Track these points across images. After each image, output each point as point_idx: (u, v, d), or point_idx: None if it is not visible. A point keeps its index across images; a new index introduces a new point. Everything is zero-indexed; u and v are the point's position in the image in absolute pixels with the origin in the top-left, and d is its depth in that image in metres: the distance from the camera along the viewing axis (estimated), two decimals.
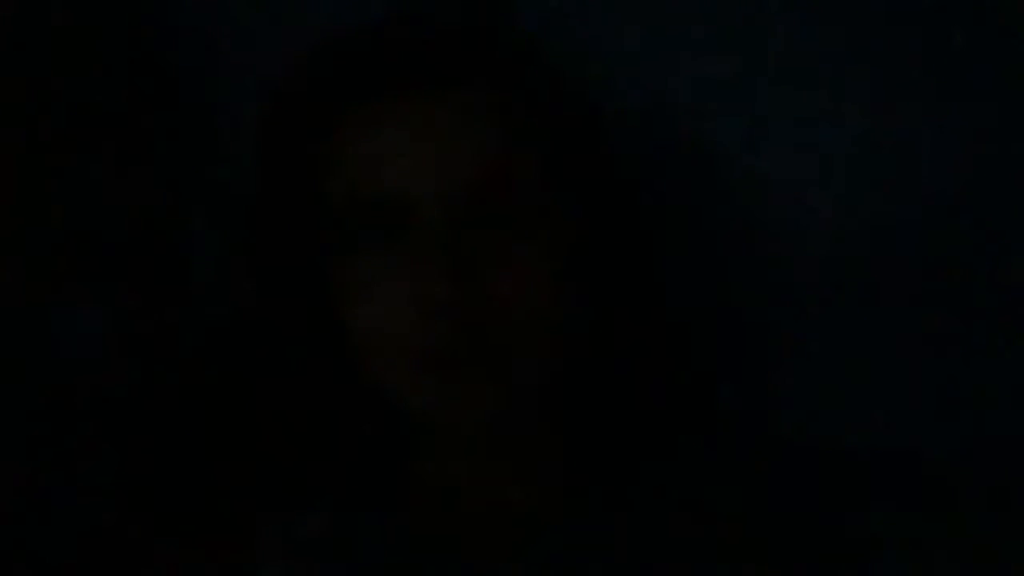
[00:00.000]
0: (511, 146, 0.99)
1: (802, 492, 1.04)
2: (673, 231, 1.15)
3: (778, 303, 1.16)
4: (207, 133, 1.24)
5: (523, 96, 1.00)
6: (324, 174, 1.01)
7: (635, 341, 1.04)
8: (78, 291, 1.20)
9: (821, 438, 1.12)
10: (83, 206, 1.19)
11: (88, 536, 1.08)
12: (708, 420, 1.08)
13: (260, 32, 1.25)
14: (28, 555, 1.07)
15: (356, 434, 1.04)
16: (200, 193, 1.23)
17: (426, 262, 0.97)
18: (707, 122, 1.17)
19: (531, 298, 0.98)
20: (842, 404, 1.15)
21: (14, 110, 1.17)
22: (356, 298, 1.00)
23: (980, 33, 1.16)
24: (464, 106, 0.98)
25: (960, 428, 1.15)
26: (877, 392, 1.16)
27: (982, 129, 1.16)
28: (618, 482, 1.04)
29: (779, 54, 1.18)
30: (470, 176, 0.97)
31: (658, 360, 1.05)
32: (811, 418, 1.15)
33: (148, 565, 1.04)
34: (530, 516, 1.03)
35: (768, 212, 1.17)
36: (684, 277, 1.14)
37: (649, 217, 1.07)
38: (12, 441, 1.13)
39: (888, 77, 1.17)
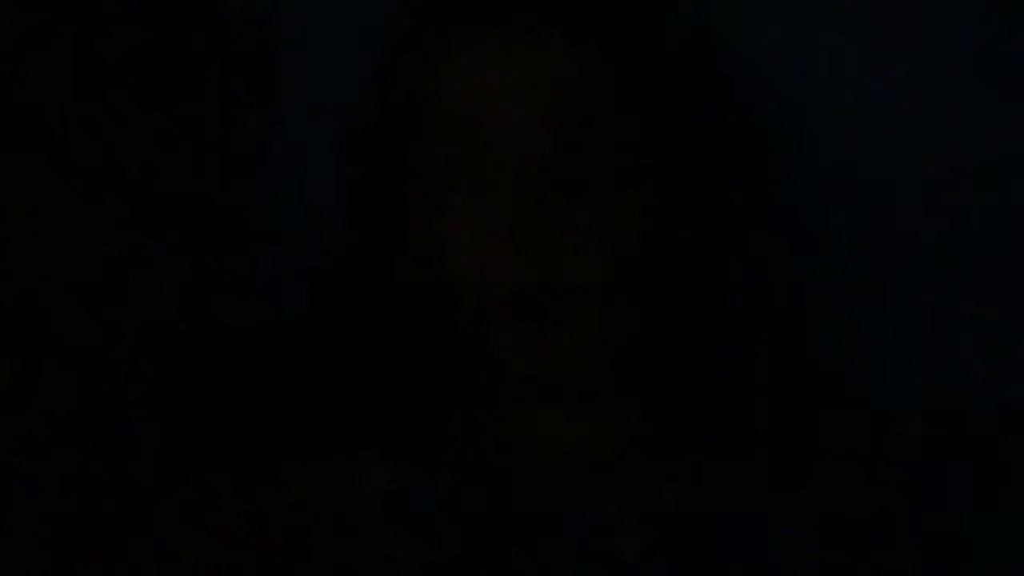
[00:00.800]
0: (598, 94, 1.02)
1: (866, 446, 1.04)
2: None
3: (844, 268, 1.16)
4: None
5: (620, 50, 1.04)
6: (427, 108, 1.05)
7: (708, 297, 1.06)
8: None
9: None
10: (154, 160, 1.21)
11: (149, 472, 1.09)
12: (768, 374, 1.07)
13: None
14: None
15: (439, 379, 1.05)
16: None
17: (515, 200, 1.00)
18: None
19: (612, 241, 1.01)
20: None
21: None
22: (454, 241, 1.03)
23: None
24: (550, 36, 1.02)
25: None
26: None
27: None
28: (689, 429, 1.04)
29: None
30: (556, 112, 1.01)
31: (728, 318, 1.05)
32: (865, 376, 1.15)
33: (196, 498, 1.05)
34: (605, 463, 1.03)
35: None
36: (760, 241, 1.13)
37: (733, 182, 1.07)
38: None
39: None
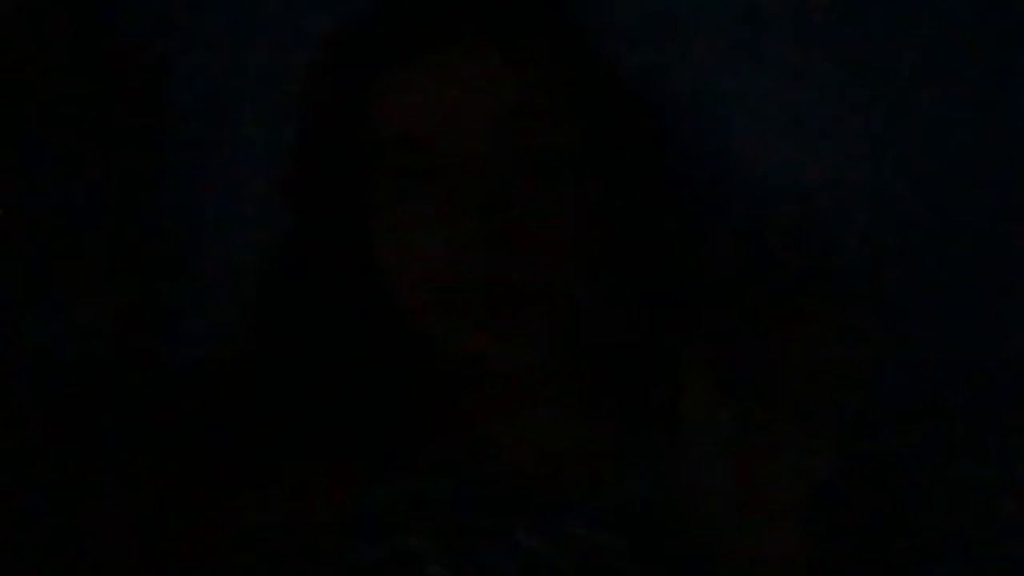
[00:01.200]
0: (528, 93, 1.02)
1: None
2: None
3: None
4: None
5: (540, 51, 1.04)
6: (362, 126, 1.04)
7: (648, 291, 1.05)
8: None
9: None
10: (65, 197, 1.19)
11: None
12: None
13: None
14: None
15: (401, 387, 1.04)
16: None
17: (454, 200, 1.00)
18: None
19: (554, 237, 1.01)
20: None
21: None
22: (395, 244, 1.02)
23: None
24: (481, 56, 1.02)
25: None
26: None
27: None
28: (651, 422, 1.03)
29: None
30: (490, 116, 1.01)
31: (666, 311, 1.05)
32: None
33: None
34: (572, 458, 1.04)
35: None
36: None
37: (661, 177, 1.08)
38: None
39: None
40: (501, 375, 1.03)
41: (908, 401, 1.09)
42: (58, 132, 1.20)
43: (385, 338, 1.04)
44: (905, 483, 1.04)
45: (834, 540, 0.97)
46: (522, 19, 1.05)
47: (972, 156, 1.19)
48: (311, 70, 1.08)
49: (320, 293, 1.05)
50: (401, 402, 1.04)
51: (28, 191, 1.19)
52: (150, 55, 1.26)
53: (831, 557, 0.95)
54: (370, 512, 1.00)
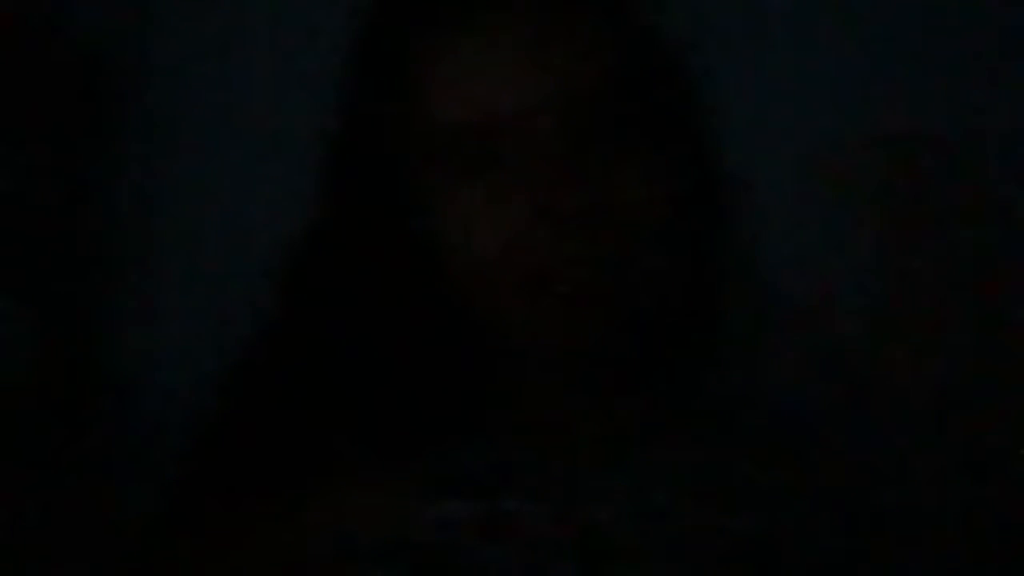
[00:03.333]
0: (584, 72, 0.99)
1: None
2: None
3: None
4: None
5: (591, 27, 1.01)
6: (421, 101, 1.00)
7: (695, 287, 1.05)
8: None
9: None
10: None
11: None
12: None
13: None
14: None
15: (451, 367, 1.00)
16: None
17: (546, 178, 0.96)
18: None
19: (644, 214, 0.98)
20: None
21: None
22: (468, 226, 0.98)
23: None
24: (537, 33, 0.99)
25: None
26: None
27: None
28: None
29: None
30: (577, 91, 0.98)
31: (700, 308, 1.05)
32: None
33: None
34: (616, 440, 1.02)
35: None
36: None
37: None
38: None
39: None
40: (557, 355, 1.00)
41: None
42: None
43: (432, 323, 1.00)
44: None
45: None
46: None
47: None
48: (357, 44, 1.03)
49: (357, 279, 1.01)
50: (450, 387, 1.00)
51: None
52: (102, 58, 1.21)
53: None
54: (458, 474, 0.97)
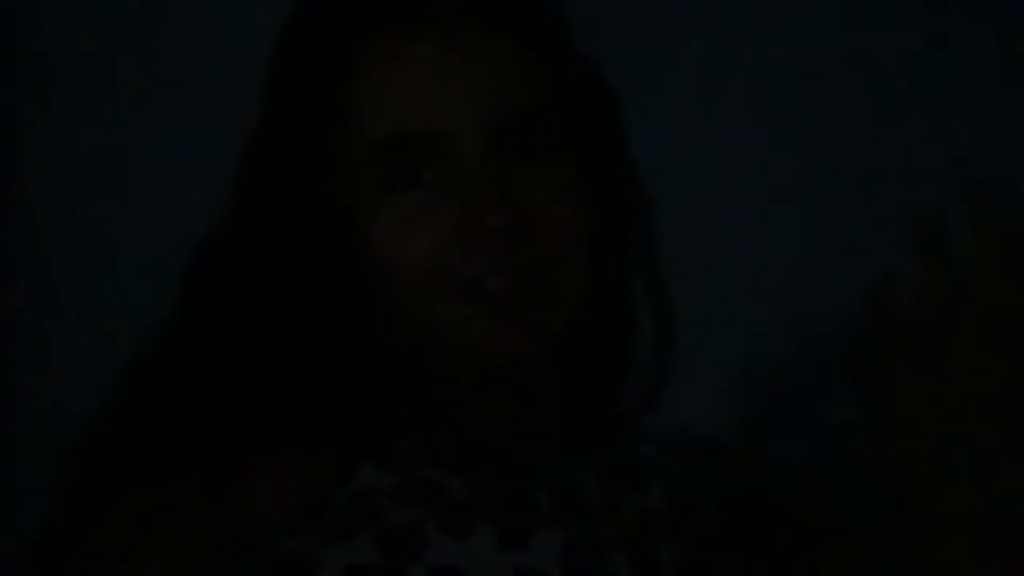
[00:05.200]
0: (538, 88, 1.01)
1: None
2: None
3: None
4: None
5: (548, 47, 1.04)
6: (346, 113, 1.01)
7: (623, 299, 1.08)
8: None
9: None
10: None
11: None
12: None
13: None
14: None
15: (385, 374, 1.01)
16: None
17: (475, 193, 0.98)
18: None
19: (569, 230, 1.00)
20: None
21: None
22: (397, 236, 1.00)
23: None
24: (495, 44, 1.01)
25: None
26: None
27: None
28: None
29: None
30: (508, 110, 1.00)
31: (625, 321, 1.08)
32: None
33: None
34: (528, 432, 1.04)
35: None
36: None
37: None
38: None
39: None
40: (503, 361, 1.01)
41: None
42: None
43: (348, 325, 1.01)
44: None
45: None
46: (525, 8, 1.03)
47: None
48: (280, 54, 1.04)
49: (270, 281, 1.01)
50: (367, 387, 1.01)
51: None
52: None
53: None
54: (379, 451, 0.98)
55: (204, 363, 1.00)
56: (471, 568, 0.93)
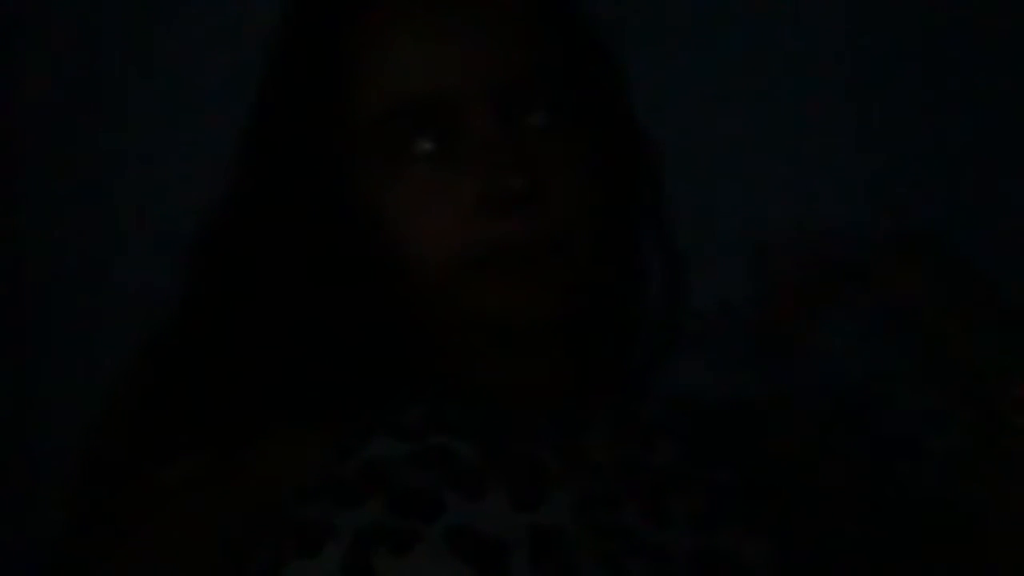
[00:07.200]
0: (541, 49, 1.02)
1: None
2: None
3: None
4: None
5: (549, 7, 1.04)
6: (349, 86, 1.01)
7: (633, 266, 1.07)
8: None
9: None
10: None
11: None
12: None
13: None
14: None
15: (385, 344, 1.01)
16: None
17: (491, 158, 0.98)
18: None
19: (581, 194, 1.00)
20: None
21: None
22: (412, 212, 0.99)
23: None
24: (495, 4, 1.02)
25: None
26: None
27: None
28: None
29: None
30: (512, 69, 1.00)
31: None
32: None
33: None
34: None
35: None
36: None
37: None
38: None
39: None
40: (517, 329, 1.01)
41: None
42: None
43: (361, 298, 1.01)
44: None
45: None
46: None
47: None
48: (281, 29, 1.04)
49: (281, 256, 1.01)
50: (386, 359, 1.01)
51: None
52: None
53: None
54: (389, 421, 0.98)
55: (217, 338, 1.00)
56: (486, 528, 0.93)
